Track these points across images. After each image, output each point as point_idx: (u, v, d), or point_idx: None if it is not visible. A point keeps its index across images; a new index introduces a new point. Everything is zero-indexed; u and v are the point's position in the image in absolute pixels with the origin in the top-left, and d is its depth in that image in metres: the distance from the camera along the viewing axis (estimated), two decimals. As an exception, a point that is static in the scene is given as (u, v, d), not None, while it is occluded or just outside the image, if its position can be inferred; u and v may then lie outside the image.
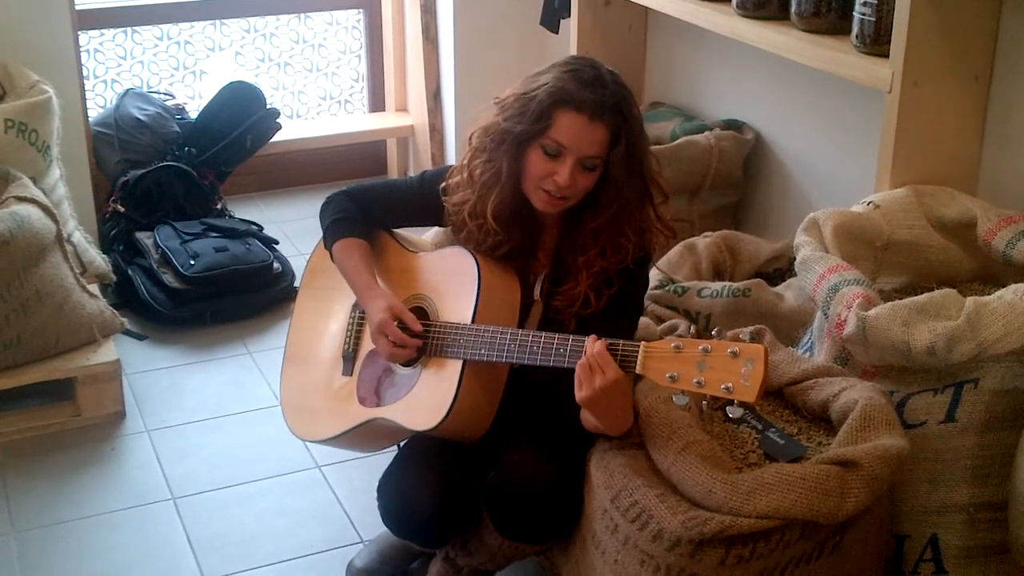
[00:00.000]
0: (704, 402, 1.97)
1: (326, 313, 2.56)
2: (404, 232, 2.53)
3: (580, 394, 2.06)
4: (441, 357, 2.30)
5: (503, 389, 2.32)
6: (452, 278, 2.34)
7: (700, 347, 1.96)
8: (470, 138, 2.33)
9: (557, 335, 2.15)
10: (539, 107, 2.18)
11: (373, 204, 2.50)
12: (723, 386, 1.93)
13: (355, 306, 2.49)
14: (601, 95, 2.17)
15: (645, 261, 2.36)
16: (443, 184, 2.39)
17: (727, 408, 1.94)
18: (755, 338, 1.96)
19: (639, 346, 2.04)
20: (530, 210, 2.31)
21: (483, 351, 2.22)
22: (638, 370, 2.03)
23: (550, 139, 2.19)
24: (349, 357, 2.47)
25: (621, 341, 2.06)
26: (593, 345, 2.06)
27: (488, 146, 2.28)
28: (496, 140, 2.26)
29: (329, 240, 2.47)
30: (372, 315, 2.34)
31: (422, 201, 2.43)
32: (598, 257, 2.26)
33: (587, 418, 2.19)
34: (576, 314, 2.28)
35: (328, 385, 2.49)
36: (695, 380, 1.96)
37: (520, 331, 2.21)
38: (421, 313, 2.37)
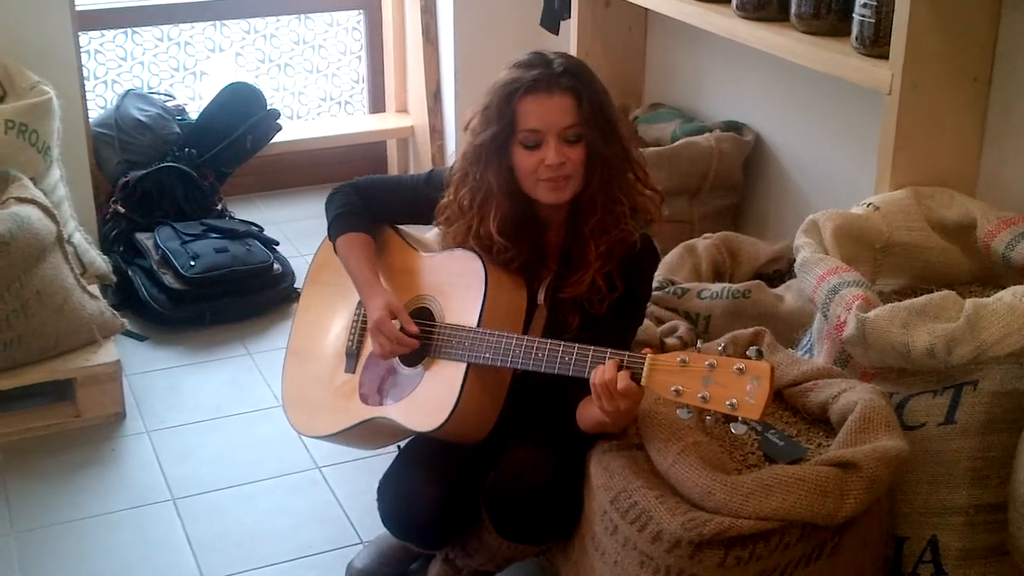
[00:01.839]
0: (708, 417, 1.97)
1: (331, 308, 2.56)
2: (411, 231, 2.52)
3: (603, 408, 2.07)
4: (445, 359, 2.30)
5: (506, 393, 2.32)
6: (458, 280, 2.34)
7: (706, 362, 1.96)
8: (451, 171, 2.34)
9: (563, 344, 2.15)
10: (499, 108, 2.20)
11: (379, 198, 2.50)
12: (728, 402, 1.93)
13: (360, 303, 2.49)
14: (549, 69, 2.20)
15: (650, 256, 2.34)
16: (437, 222, 2.39)
17: (731, 424, 1.94)
18: (761, 355, 1.95)
19: (645, 358, 2.04)
20: (534, 215, 2.31)
21: (487, 355, 2.22)
22: (643, 382, 2.03)
23: (523, 131, 2.20)
24: (352, 354, 2.47)
25: (627, 353, 2.06)
26: (607, 372, 2.04)
27: (469, 169, 2.29)
28: (473, 158, 2.27)
29: (333, 233, 2.47)
30: (370, 313, 2.34)
31: (428, 200, 2.43)
32: (602, 232, 2.24)
33: (586, 419, 2.19)
34: (581, 306, 2.27)
35: (330, 381, 2.49)
36: (700, 395, 1.95)
37: (526, 337, 2.21)
38: (426, 314, 2.37)
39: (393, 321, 2.31)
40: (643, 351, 2.05)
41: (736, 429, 1.94)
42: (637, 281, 2.31)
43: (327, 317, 2.56)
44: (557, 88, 2.19)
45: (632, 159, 2.29)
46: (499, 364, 2.22)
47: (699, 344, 2.05)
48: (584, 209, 2.26)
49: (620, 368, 2.04)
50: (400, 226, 2.55)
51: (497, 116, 2.21)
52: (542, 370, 2.17)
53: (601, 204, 2.24)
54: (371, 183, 2.54)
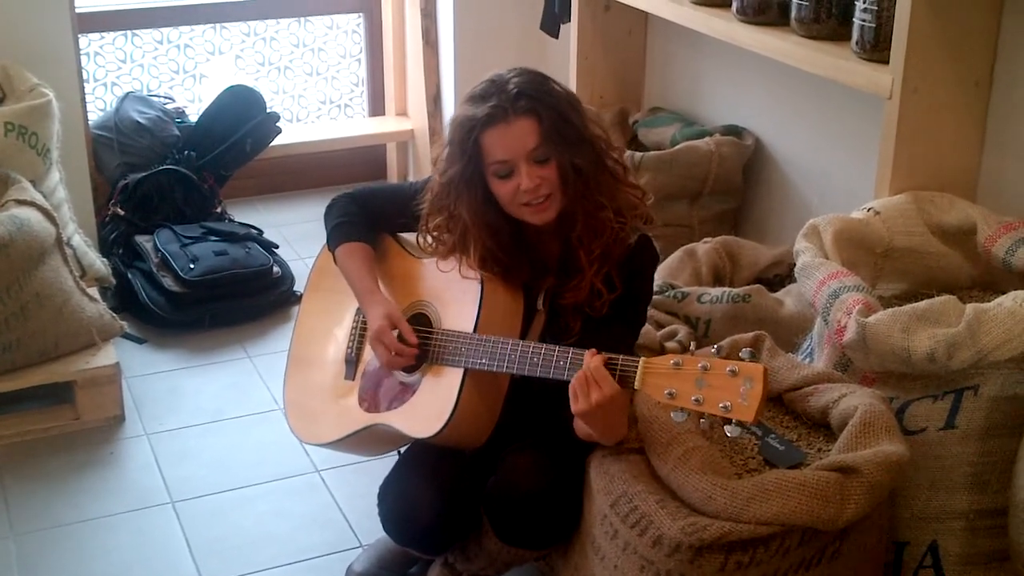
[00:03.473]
0: (702, 420, 1.97)
1: (331, 315, 2.56)
2: (409, 236, 2.53)
3: (576, 407, 2.06)
4: (442, 365, 2.30)
5: (504, 398, 2.32)
6: (455, 286, 2.34)
7: (699, 364, 1.96)
8: (423, 208, 2.34)
9: (557, 348, 2.15)
10: (461, 145, 2.21)
11: (377, 207, 2.50)
12: (721, 404, 1.93)
13: (359, 310, 2.49)
14: (500, 97, 2.18)
15: (648, 256, 2.33)
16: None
17: (725, 427, 1.94)
18: (755, 356, 1.95)
19: (639, 361, 2.03)
20: (522, 235, 2.31)
21: (484, 361, 2.22)
22: (637, 385, 2.03)
23: (491, 163, 2.20)
24: (351, 361, 2.47)
25: (621, 356, 2.06)
26: (591, 360, 2.05)
27: (440, 204, 2.30)
28: (443, 194, 2.28)
29: (332, 243, 2.48)
30: (370, 322, 2.34)
31: None
32: (591, 238, 2.24)
33: (580, 427, 2.19)
34: (582, 313, 2.27)
35: (330, 388, 2.49)
36: (693, 398, 1.96)
37: (521, 342, 2.21)
38: (423, 320, 2.37)
39: (393, 331, 2.31)
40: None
41: (731, 432, 1.94)
42: (636, 281, 2.31)
43: (327, 324, 2.56)
44: (514, 114, 2.17)
45: (607, 161, 2.27)
46: (495, 369, 2.22)
47: (692, 347, 2.06)
48: (567, 220, 2.26)
49: (613, 371, 2.04)
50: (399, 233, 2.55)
51: (461, 153, 2.21)
52: (537, 374, 2.16)
53: (583, 212, 2.24)
54: (369, 192, 2.55)
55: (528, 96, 2.18)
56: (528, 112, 2.17)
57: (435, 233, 2.36)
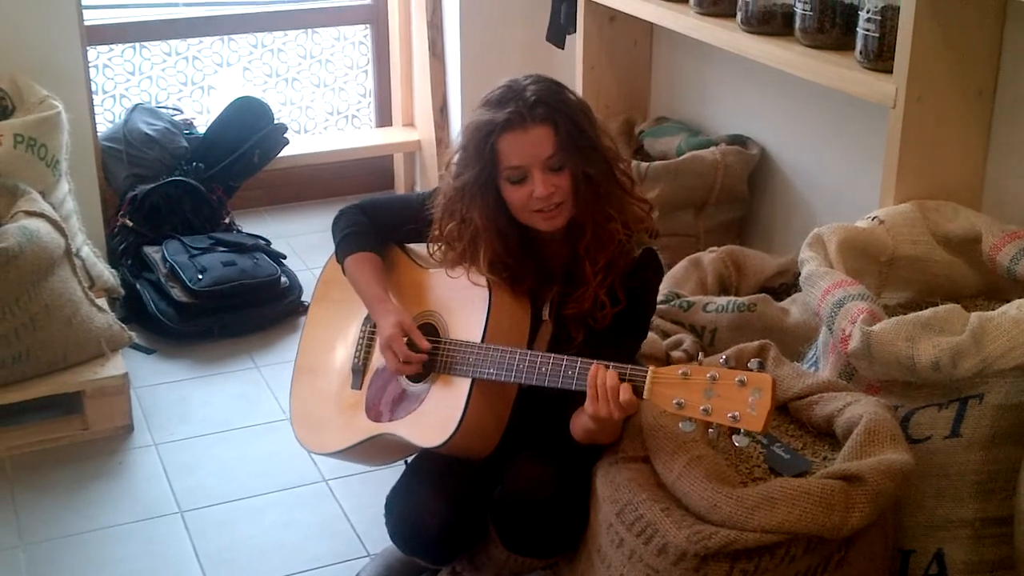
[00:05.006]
0: (710, 430, 1.98)
1: (338, 325, 2.57)
2: (416, 247, 2.54)
3: (591, 409, 2.08)
4: (450, 374, 2.31)
5: (511, 407, 2.32)
6: (463, 295, 2.34)
7: (708, 375, 1.97)
8: (434, 211, 2.35)
9: (566, 357, 2.16)
10: (477, 149, 2.21)
11: (385, 218, 2.51)
12: (730, 414, 1.93)
13: (366, 319, 2.49)
14: (518, 103, 2.18)
15: (653, 270, 2.34)
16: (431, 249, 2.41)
17: (733, 436, 1.95)
18: (763, 367, 1.96)
19: (647, 371, 2.04)
20: (530, 242, 2.32)
21: (491, 370, 2.23)
22: (645, 395, 2.04)
23: (506, 168, 2.21)
24: (358, 370, 2.48)
25: (629, 366, 2.07)
26: (609, 379, 2.05)
27: (453, 208, 2.31)
28: (456, 197, 2.29)
29: (341, 253, 2.49)
30: (381, 329, 2.35)
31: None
32: (597, 248, 2.25)
33: (577, 428, 2.20)
34: (586, 324, 2.28)
35: (337, 397, 2.50)
36: (702, 408, 1.96)
37: (529, 352, 2.22)
38: (431, 329, 2.38)
39: (404, 339, 2.32)
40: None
41: (739, 441, 1.95)
42: (640, 295, 2.31)
43: (334, 334, 2.57)
44: (532, 121, 2.18)
45: (616, 172, 2.28)
46: (503, 379, 2.23)
47: (700, 357, 2.06)
48: (576, 229, 2.27)
49: (622, 381, 2.05)
50: (406, 244, 2.56)
51: (476, 157, 2.22)
52: (545, 384, 2.17)
53: (592, 222, 2.25)
54: (376, 203, 2.56)
55: (545, 104, 2.19)
56: (545, 120, 2.18)
57: (446, 238, 2.37)
